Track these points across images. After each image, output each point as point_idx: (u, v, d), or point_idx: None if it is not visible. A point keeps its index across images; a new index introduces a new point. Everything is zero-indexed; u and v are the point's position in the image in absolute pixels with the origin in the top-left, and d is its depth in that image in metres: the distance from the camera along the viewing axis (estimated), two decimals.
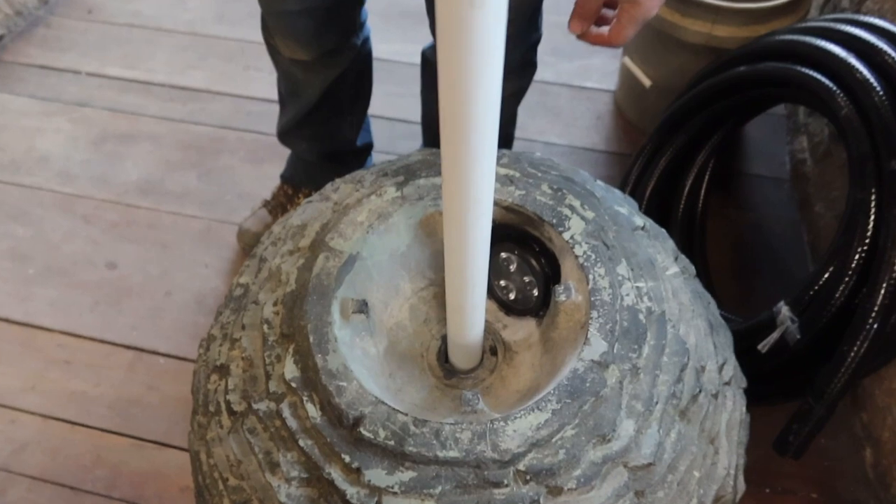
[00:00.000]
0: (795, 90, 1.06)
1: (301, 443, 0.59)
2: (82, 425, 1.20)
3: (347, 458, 0.57)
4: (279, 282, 0.69)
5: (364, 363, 0.66)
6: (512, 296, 0.74)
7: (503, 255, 0.73)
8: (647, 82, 1.43)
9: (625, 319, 0.63)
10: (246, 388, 0.65)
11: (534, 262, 0.71)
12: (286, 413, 0.61)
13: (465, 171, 0.49)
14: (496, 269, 0.74)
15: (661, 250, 0.73)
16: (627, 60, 1.47)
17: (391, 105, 1.59)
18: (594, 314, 0.63)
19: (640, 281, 0.67)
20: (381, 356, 0.71)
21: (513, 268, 0.73)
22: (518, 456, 0.57)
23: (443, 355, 0.74)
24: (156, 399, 1.22)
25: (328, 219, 0.72)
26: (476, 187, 0.51)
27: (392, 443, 0.57)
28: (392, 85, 1.62)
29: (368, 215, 0.70)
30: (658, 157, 1.31)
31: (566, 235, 0.67)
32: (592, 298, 0.64)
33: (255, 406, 0.63)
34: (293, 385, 0.62)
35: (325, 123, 1.22)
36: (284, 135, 1.27)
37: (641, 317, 0.64)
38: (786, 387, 0.96)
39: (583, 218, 0.69)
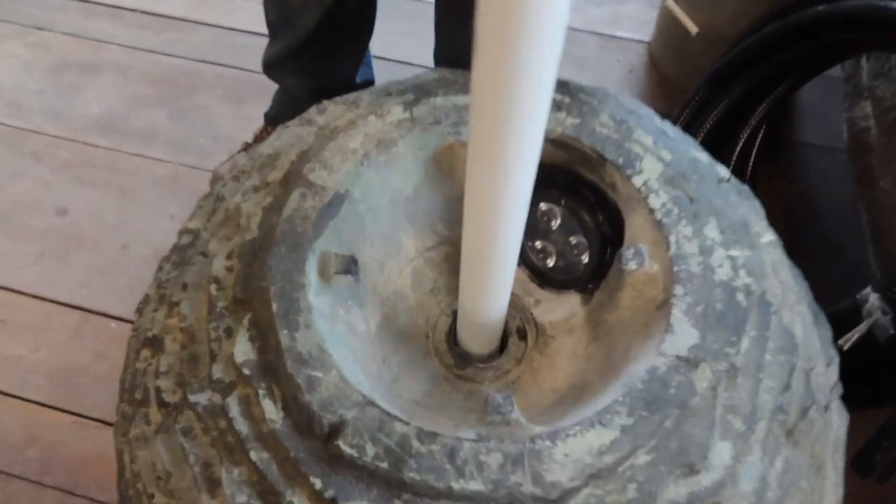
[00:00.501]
0: (891, 34, 0.87)
1: (253, 455, 0.41)
2: (15, 397, 1.02)
3: (318, 483, 0.39)
4: (237, 227, 0.50)
5: (349, 344, 0.47)
6: (550, 262, 0.56)
7: (543, 206, 0.54)
8: (693, 29, 1.24)
9: (718, 300, 0.45)
10: (183, 372, 0.46)
11: (586, 218, 0.52)
12: (234, 411, 0.43)
13: (511, 70, 0.30)
14: (531, 226, 0.55)
15: (752, 211, 0.54)
16: (671, 3, 1.27)
17: (393, 45, 1.39)
18: (679, 290, 0.44)
19: (734, 248, 0.48)
20: (373, 334, 0.52)
21: (555, 224, 0.54)
22: (570, 493, 0.38)
23: (454, 336, 0.55)
24: (103, 369, 1.04)
25: (309, 145, 0.53)
26: (525, 98, 0.32)
27: (385, 465, 0.39)
28: (395, 22, 1.42)
29: (364, 142, 0.51)
30: (703, 117, 1.12)
31: (637, 181, 0.49)
32: (676, 269, 0.45)
33: (192, 398, 0.44)
34: (245, 372, 0.43)
35: (322, 55, 1.02)
36: (272, 67, 1.08)
37: (740, 297, 0.46)
38: (871, 391, 0.78)
39: (659, 159, 0.50)
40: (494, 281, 0.46)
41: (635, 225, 0.49)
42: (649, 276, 0.46)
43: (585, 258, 0.53)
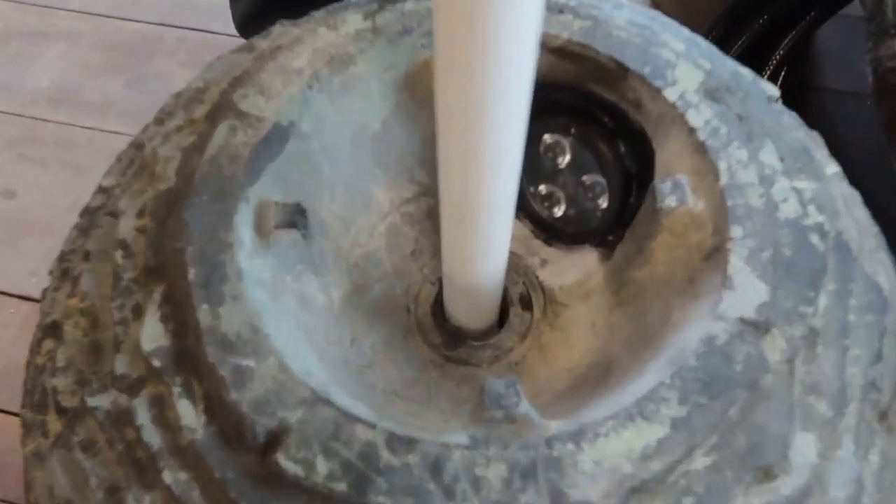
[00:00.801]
0: None
1: (167, 475, 0.30)
2: None
3: None
4: (152, 177, 0.38)
5: (300, 322, 0.36)
6: (559, 210, 0.44)
7: (548, 139, 0.42)
8: None
9: (787, 244, 0.34)
10: (83, 368, 0.35)
11: (603, 149, 0.40)
12: (143, 417, 0.31)
13: None
14: (532, 166, 0.44)
15: (809, 137, 0.43)
16: None
17: None
18: (737, 231, 0.33)
19: (799, 179, 0.37)
20: (337, 309, 0.41)
21: (563, 161, 0.43)
22: None
23: (441, 309, 0.44)
24: None
25: (244, 70, 0.41)
26: None
27: (343, 486, 0.28)
28: None
29: (312, 59, 0.39)
30: None
31: (671, 94, 0.37)
32: (731, 203, 0.34)
33: (91, 401, 0.33)
34: (155, 364, 0.32)
35: (301, 4, 0.90)
36: (247, 25, 0.95)
37: (815, 239, 0.34)
38: None
39: (697, 66, 0.38)
40: (485, 234, 0.34)
41: (670, 152, 0.37)
42: (693, 217, 0.35)
43: (603, 202, 0.42)
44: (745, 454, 0.29)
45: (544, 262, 0.46)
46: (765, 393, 0.30)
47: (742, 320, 0.31)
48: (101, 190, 0.43)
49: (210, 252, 0.33)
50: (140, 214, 0.37)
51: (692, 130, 0.36)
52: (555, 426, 0.30)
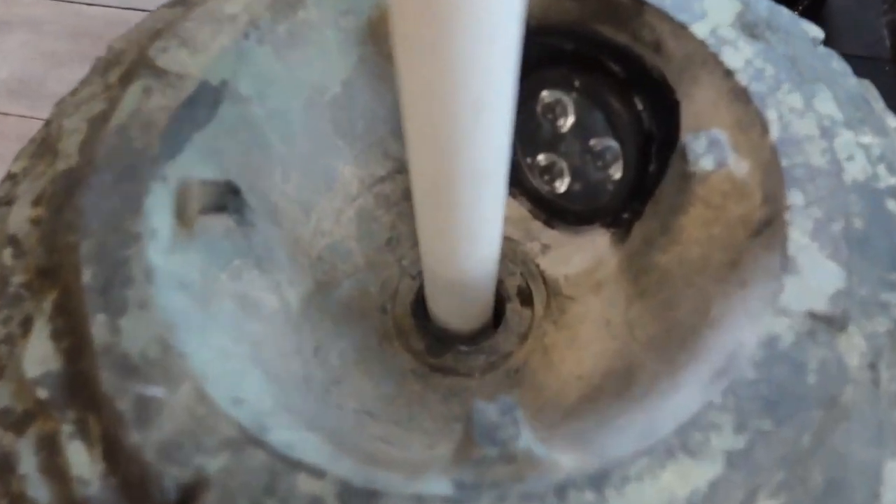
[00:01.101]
0: None
1: None
2: None
3: None
4: (54, 155, 0.30)
5: (240, 331, 0.28)
6: (562, 184, 0.37)
7: (546, 97, 0.35)
8: None
9: (857, 213, 0.26)
10: None
11: (615, 105, 0.33)
12: (27, 464, 0.24)
13: None
14: (528, 131, 0.36)
15: (862, 86, 0.35)
16: None
17: None
18: (796, 198, 0.25)
19: (863, 133, 0.29)
20: (296, 313, 0.34)
21: (565, 123, 0.35)
22: None
23: (424, 307, 0.37)
24: None
25: (168, 22, 0.33)
26: None
27: None
28: None
29: (250, 3, 0.31)
30: None
31: (701, 30, 0.29)
32: (786, 163, 0.26)
33: None
34: (41, 395, 0.24)
35: None
36: None
37: (893, 207, 0.27)
38: None
39: None
40: (470, 211, 0.27)
41: (701, 103, 0.29)
42: (735, 182, 0.27)
43: (616, 171, 0.34)
44: (822, 494, 0.22)
45: (546, 248, 0.39)
46: (844, 410, 0.23)
47: (812, 315, 0.23)
48: (9, 177, 0.35)
49: (111, 247, 0.25)
50: (36, 202, 0.29)
51: (729, 73, 0.28)
52: (568, 464, 0.22)
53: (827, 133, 0.27)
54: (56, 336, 0.25)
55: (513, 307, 0.37)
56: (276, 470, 0.21)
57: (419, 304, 0.37)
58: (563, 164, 0.36)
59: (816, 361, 0.22)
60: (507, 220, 0.40)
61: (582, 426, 0.29)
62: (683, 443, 0.21)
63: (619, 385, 0.31)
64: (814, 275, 0.23)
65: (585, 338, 0.36)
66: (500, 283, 0.37)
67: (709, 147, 0.27)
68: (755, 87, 0.28)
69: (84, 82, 0.35)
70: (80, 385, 0.24)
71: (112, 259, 0.25)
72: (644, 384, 0.29)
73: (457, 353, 0.36)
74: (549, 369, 0.36)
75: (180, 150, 0.28)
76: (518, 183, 0.38)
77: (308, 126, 0.35)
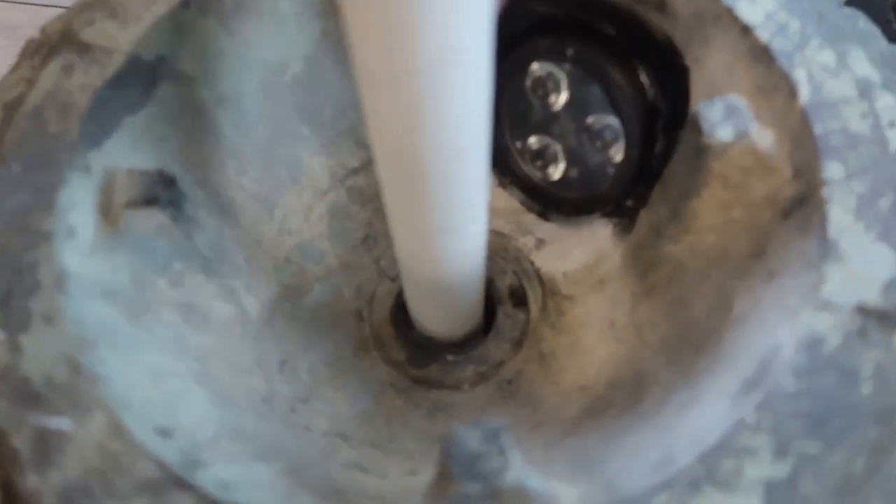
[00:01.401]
0: None
1: None
2: None
3: None
4: None
5: (183, 346, 0.24)
6: (556, 170, 0.33)
7: (536, 69, 0.31)
8: None
9: None
10: None
11: (614, 75, 0.28)
12: None
13: None
14: (517, 111, 0.32)
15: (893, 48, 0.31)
16: None
17: None
18: (835, 170, 0.21)
19: None
20: (256, 323, 0.29)
21: (559, 100, 0.31)
22: None
23: (404, 314, 0.32)
24: None
25: None
26: None
27: None
28: None
29: None
30: None
31: None
32: (820, 129, 0.22)
33: None
34: None
35: None
36: None
37: None
38: None
39: None
40: (445, 193, 0.22)
41: (715, 67, 0.25)
42: (759, 156, 0.23)
43: (617, 153, 0.30)
44: None
45: (541, 243, 0.35)
46: None
47: (863, 309, 0.19)
48: None
49: (15, 249, 0.21)
50: None
51: (747, 30, 0.24)
52: (570, 499, 0.18)
53: (866, 94, 0.23)
54: None
55: (505, 310, 0.33)
56: None
57: (400, 310, 0.33)
58: (558, 147, 0.32)
59: (871, 367, 0.18)
60: (497, 213, 0.36)
61: (585, 445, 0.25)
62: (710, 473, 0.17)
63: (628, 397, 0.27)
64: (862, 261, 0.19)
65: (587, 343, 0.31)
66: (490, 283, 0.33)
67: (726, 114, 0.23)
68: (778, 45, 0.23)
69: (12, 68, 0.31)
70: None
71: (15, 264, 0.21)
72: (656, 396, 0.25)
73: (443, 363, 0.32)
74: (547, 379, 0.31)
75: (107, 137, 0.24)
76: (508, 171, 0.34)
77: (266, 111, 0.30)
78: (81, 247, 0.22)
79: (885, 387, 0.18)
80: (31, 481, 0.18)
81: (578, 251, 0.34)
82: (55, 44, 0.26)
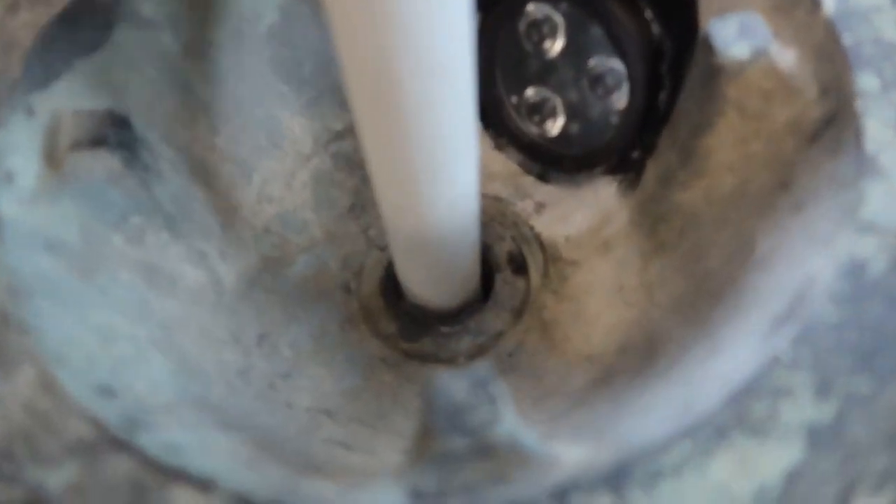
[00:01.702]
0: None
1: None
2: None
3: None
4: None
5: (147, 310, 0.22)
6: (555, 125, 0.30)
7: (532, 11, 0.28)
8: None
9: None
10: None
11: (615, 11, 0.26)
12: None
13: None
14: (511, 59, 0.30)
15: None
16: None
17: None
18: (870, 81, 0.19)
19: None
20: (233, 294, 0.27)
21: (555, 46, 0.28)
22: None
23: (395, 284, 0.30)
24: None
25: None
26: None
27: None
28: None
29: None
30: None
31: None
32: (849, 39, 0.19)
33: None
34: None
35: None
36: None
37: None
38: None
39: None
40: (427, 137, 0.20)
41: None
42: (780, 76, 0.20)
43: (621, 98, 0.27)
44: None
45: (540, 207, 0.32)
46: None
47: None
48: None
49: None
50: None
51: None
52: (573, 457, 0.15)
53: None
54: None
55: (503, 277, 0.30)
56: (143, 483, 0.15)
57: (390, 281, 0.31)
58: (556, 99, 0.30)
59: None
60: (494, 177, 0.33)
61: (594, 414, 0.22)
62: (740, 417, 0.14)
63: (639, 360, 0.24)
64: None
65: (594, 309, 0.29)
66: (487, 250, 0.31)
67: (740, 31, 0.20)
68: None
69: None
70: None
71: None
72: (671, 354, 0.22)
73: (436, 335, 0.29)
74: (551, 350, 0.29)
75: (55, 78, 0.22)
76: (503, 129, 0.32)
77: (238, 64, 0.28)
78: (20, 194, 0.20)
79: None
80: None
81: (581, 213, 0.31)
82: None
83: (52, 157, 0.20)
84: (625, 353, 0.26)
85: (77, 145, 0.20)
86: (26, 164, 0.20)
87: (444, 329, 0.29)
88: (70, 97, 0.22)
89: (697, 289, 0.23)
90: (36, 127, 0.21)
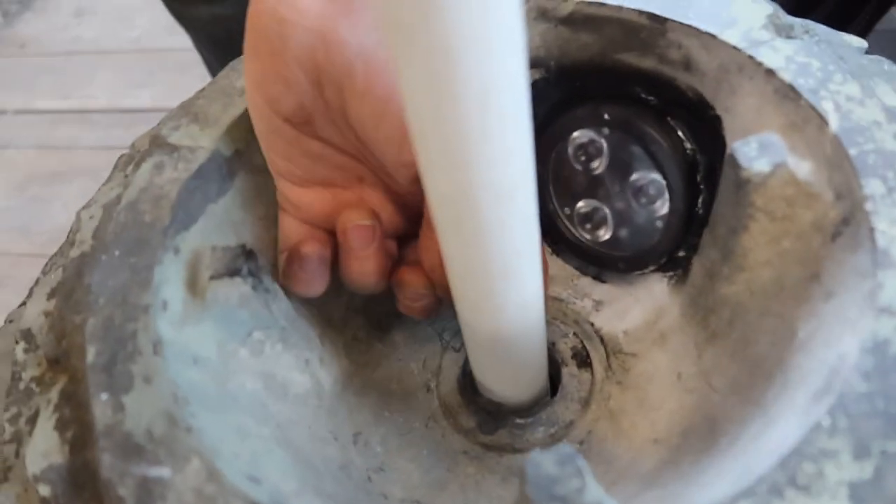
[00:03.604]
0: None
1: None
2: None
3: None
4: (70, 245, 0.29)
5: (265, 413, 0.26)
6: (606, 232, 0.34)
7: (578, 137, 0.33)
8: None
9: None
10: None
11: (652, 134, 0.30)
12: None
13: None
14: (562, 178, 0.34)
15: None
16: None
17: None
18: (875, 186, 0.22)
19: None
20: (332, 395, 0.31)
21: (601, 164, 0.33)
22: None
23: (471, 382, 0.33)
24: None
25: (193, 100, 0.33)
26: None
27: None
28: None
29: None
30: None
31: (731, 36, 0.27)
32: (854, 151, 0.23)
33: None
34: (45, 492, 0.22)
35: None
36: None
37: None
38: None
39: (756, 1, 0.29)
40: (497, 241, 0.24)
41: (745, 113, 0.27)
42: (799, 184, 0.24)
43: (663, 206, 0.31)
44: None
45: (599, 305, 0.36)
46: None
47: None
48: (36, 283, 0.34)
49: (117, 321, 0.23)
50: (51, 294, 0.28)
51: (770, 73, 0.26)
52: None
53: (893, 116, 0.24)
54: (61, 425, 0.23)
55: (569, 371, 0.33)
56: None
57: (466, 379, 0.34)
58: (605, 209, 0.33)
59: None
60: (553, 280, 0.37)
61: (663, 492, 0.25)
62: (791, 477, 0.17)
63: (703, 442, 0.26)
64: None
65: (656, 396, 0.31)
66: (552, 347, 0.34)
67: (760, 149, 0.24)
68: (802, 83, 0.25)
69: (106, 181, 0.34)
70: (85, 476, 0.21)
71: (118, 334, 0.23)
72: (731, 432, 0.24)
73: (512, 427, 0.32)
74: (620, 436, 0.31)
75: (193, 222, 0.27)
76: (558, 238, 0.36)
77: None
78: (173, 318, 0.24)
79: None
80: None
81: (637, 309, 0.34)
82: (145, 151, 0.29)
83: (195, 287, 0.25)
84: (688, 435, 0.28)
85: (216, 275, 0.25)
86: (174, 294, 0.25)
87: (519, 421, 0.32)
88: (204, 235, 0.27)
89: (750, 373, 0.26)
90: (181, 263, 0.25)
